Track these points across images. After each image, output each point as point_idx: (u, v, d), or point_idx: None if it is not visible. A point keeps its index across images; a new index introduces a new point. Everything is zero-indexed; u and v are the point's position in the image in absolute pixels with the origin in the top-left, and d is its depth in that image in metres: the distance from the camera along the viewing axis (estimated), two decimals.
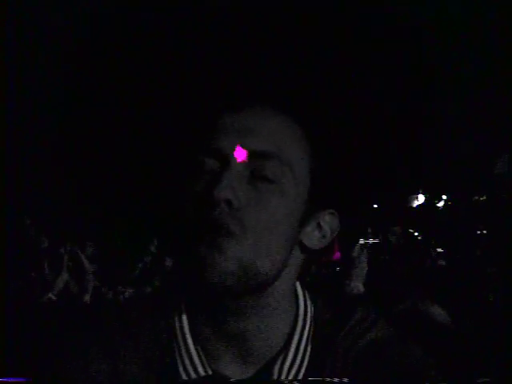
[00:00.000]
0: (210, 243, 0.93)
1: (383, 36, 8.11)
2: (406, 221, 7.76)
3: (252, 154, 0.97)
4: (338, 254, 1.09)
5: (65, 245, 5.85)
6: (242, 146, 0.97)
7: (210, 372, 1.01)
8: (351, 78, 7.86)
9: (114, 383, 1.01)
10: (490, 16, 7.67)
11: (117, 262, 6.10)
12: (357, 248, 4.81)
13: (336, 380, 1.00)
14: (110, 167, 8.57)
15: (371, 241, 6.99)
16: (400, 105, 8.89)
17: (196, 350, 1.01)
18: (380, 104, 8.48)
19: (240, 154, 0.97)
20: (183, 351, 1.02)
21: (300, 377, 1.02)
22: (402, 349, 1.05)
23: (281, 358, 1.02)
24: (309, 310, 1.07)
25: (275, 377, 1.01)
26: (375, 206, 8.82)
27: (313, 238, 1.04)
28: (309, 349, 1.04)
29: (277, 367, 1.02)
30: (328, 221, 1.05)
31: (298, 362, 1.02)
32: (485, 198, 7.38)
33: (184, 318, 1.03)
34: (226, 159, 0.97)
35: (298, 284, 1.08)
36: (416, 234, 7.27)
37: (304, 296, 1.08)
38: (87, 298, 5.38)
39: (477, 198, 7.71)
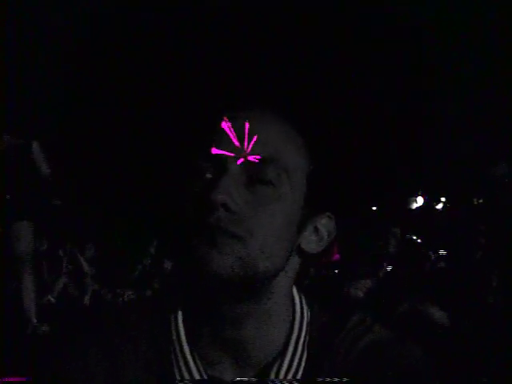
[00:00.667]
0: (209, 243, 0.93)
1: (383, 36, 8.12)
2: (405, 223, 7.76)
3: (247, 159, 0.97)
4: (337, 256, 1.09)
5: (64, 247, 5.85)
6: (240, 151, 0.97)
7: (206, 377, 1.01)
8: (350, 80, 7.87)
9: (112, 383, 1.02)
10: (490, 16, 7.68)
11: (116, 265, 6.10)
12: (364, 259, 4.83)
13: (336, 380, 1.00)
14: (110, 169, 8.58)
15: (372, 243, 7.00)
16: (399, 107, 8.90)
17: (192, 354, 1.01)
18: (379, 106, 8.49)
19: (238, 159, 0.97)
20: (179, 356, 1.02)
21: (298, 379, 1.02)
22: (400, 351, 1.05)
23: (277, 362, 1.02)
24: (305, 314, 1.07)
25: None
26: (374, 208, 8.82)
27: (310, 241, 1.04)
28: (305, 353, 1.04)
29: (273, 372, 1.01)
30: (325, 224, 1.05)
31: (294, 366, 1.02)
32: (482, 200, 7.39)
33: (180, 322, 1.03)
34: (224, 163, 0.97)
35: (294, 288, 1.08)
36: (415, 236, 7.27)
37: (300, 300, 1.08)
38: (86, 300, 5.38)
39: (476, 200, 7.71)
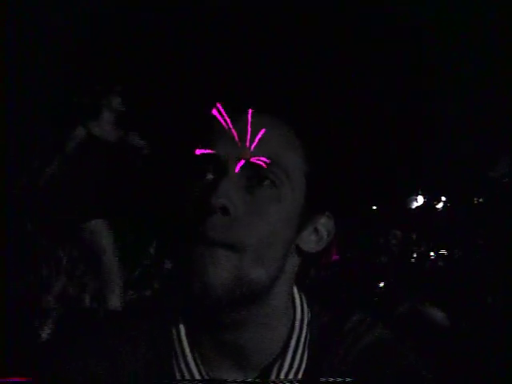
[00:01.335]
0: (206, 252, 0.93)
1: (383, 36, 8.12)
2: (405, 222, 7.76)
3: (249, 161, 0.97)
4: (336, 257, 1.10)
5: (63, 248, 5.85)
6: (239, 153, 0.97)
7: (206, 378, 1.01)
8: (349, 81, 7.87)
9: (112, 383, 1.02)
10: (490, 16, 7.69)
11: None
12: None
13: (339, 380, 1.00)
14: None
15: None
16: (398, 107, 8.90)
17: (193, 355, 1.01)
18: (378, 106, 8.49)
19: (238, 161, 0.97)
20: (180, 357, 1.02)
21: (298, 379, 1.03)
22: (400, 351, 1.05)
23: (278, 363, 1.02)
24: (306, 314, 1.07)
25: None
26: (374, 207, 8.82)
27: (309, 241, 1.04)
28: (306, 353, 1.04)
29: (274, 372, 1.02)
30: (324, 224, 1.05)
31: (295, 366, 1.02)
32: (482, 200, 7.38)
33: (181, 324, 1.03)
34: (224, 166, 0.96)
35: (294, 288, 1.08)
36: (415, 236, 7.27)
37: (301, 300, 1.08)
38: (86, 300, 5.38)
39: (476, 199, 7.71)
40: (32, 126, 7.93)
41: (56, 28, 7.43)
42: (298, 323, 1.05)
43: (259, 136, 0.97)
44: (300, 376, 1.02)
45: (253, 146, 0.97)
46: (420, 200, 8.86)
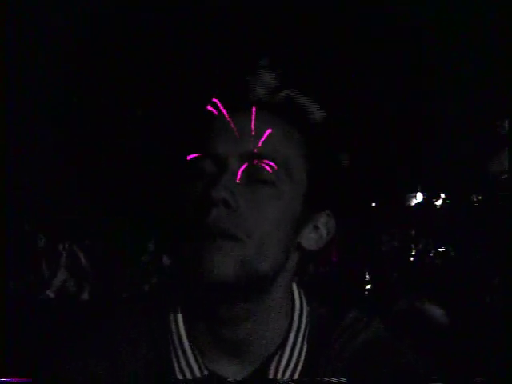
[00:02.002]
0: (209, 244, 0.93)
1: (383, 36, 8.11)
2: (404, 219, 7.75)
3: (249, 156, 0.98)
4: (334, 259, 1.10)
5: (63, 243, 5.85)
6: (240, 148, 0.98)
7: (206, 373, 1.02)
8: (349, 79, 7.86)
9: (112, 383, 1.02)
10: (490, 16, 7.68)
11: (115, 260, 6.10)
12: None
13: (334, 380, 1.00)
14: (109, 166, 8.57)
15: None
16: (399, 104, 8.88)
17: (192, 351, 1.02)
18: (378, 104, 8.48)
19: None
20: (179, 352, 1.02)
21: (296, 376, 1.03)
22: (397, 348, 1.06)
23: (277, 357, 1.03)
24: (304, 310, 1.07)
25: (271, 376, 1.02)
26: (373, 204, 8.80)
27: (310, 239, 1.04)
28: (305, 348, 1.05)
29: (273, 367, 1.02)
30: (324, 222, 1.06)
31: (293, 361, 1.03)
32: (481, 197, 7.37)
33: (180, 319, 1.03)
34: (224, 161, 0.97)
35: (294, 284, 1.09)
36: (414, 233, 7.27)
37: (300, 296, 1.09)
38: (85, 296, 5.38)
39: (475, 196, 7.70)
40: (32, 126, 7.93)
41: (55, 28, 7.43)
42: (296, 318, 1.06)
43: (264, 137, 0.98)
44: (298, 371, 1.03)
45: (260, 142, 0.98)
46: (419, 197, 8.84)
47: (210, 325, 1.01)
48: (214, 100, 1.01)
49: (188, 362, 1.02)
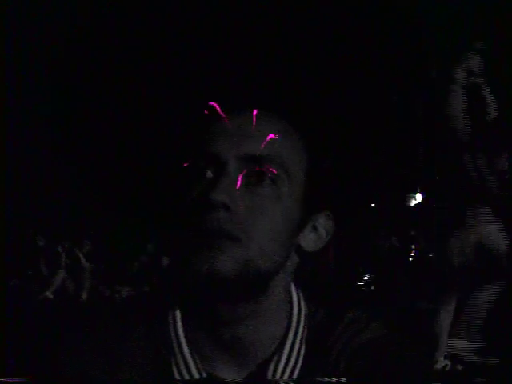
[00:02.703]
0: (209, 245, 0.93)
1: (383, 35, 8.11)
2: (404, 220, 7.76)
3: (249, 158, 0.97)
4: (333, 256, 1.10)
5: (62, 243, 5.85)
6: (239, 151, 0.98)
7: (205, 375, 1.02)
8: (349, 79, 7.86)
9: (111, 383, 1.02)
10: (489, 16, 7.67)
11: (114, 261, 6.10)
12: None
13: (334, 380, 1.00)
14: (108, 166, 8.57)
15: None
16: (398, 104, 8.89)
17: (190, 352, 1.02)
18: (378, 104, 8.49)
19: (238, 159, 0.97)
20: (177, 353, 1.02)
21: (294, 377, 1.03)
22: (397, 348, 1.06)
23: (275, 359, 1.03)
24: (303, 310, 1.07)
25: (270, 378, 1.02)
26: (372, 204, 8.82)
27: (309, 240, 1.04)
28: (303, 349, 1.04)
29: (271, 368, 1.02)
30: (323, 223, 1.06)
31: (292, 362, 1.03)
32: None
33: (178, 320, 1.03)
34: (223, 163, 0.97)
35: (292, 285, 1.08)
36: (413, 233, 7.27)
37: (298, 297, 1.08)
38: (84, 296, 5.38)
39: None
40: (32, 126, 7.93)
41: (55, 28, 7.42)
42: (295, 319, 1.06)
43: (265, 141, 0.98)
44: (297, 372, 1.03)
45: (255, 147, 0.97)
46: (419, 198, 8.84)
47: (209, 326, 1.01)
48: (214, 101, 1.01)
49: (186, 364, 1.01)
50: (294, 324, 1.05)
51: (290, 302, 1.07)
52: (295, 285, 1.09)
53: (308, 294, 1.11)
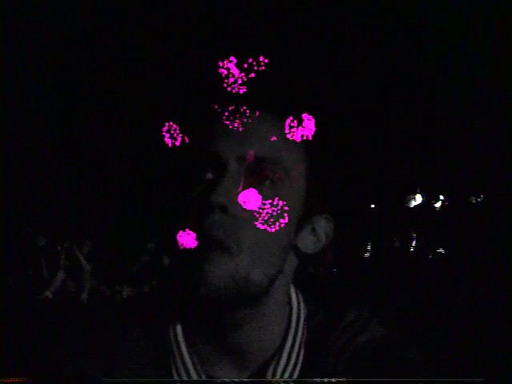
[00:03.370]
0: (203, 257, 0.93)
1: (382, 35, 8.11)
2: (404, 221, 7.76)
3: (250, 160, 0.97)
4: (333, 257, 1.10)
5: (62, 243, 5.84)
6: (239, 151, 0.97)
7: (204, 376, 1.02)
8: (348, 80, 7.85)
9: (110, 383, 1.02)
10: (490, 16, 7.69)
11: (114, 261, 6.09)
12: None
13: (334, 380, 1.00)
14: (109, 166, 8.57)
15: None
16: (398, 105, 8.89)
17: (189, 354, 1.02)
18: (378, 105, 8.49)
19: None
20: (176, 355, 1.02)
21: (294, 378, 1.03)
22: (395, 349, 1.06)
23: (274, 360, 1.03)
24: (302, 312, 1.08)
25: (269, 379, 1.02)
26: (372, 206, 8.82)
27: (308, 242, 1.04)
28: (302, 351, 1.05)
29: (271, 370, 1.02)
30: (323, 225, 1.06)
31: (291, 364, 1.03)
32: (481, 198, 7.39)
33: (178, 323, 1.03)
34: (224, 165, 0.97)
35: (292, 287, 1.08)
36: (414, 234, 7.28)
37: (297, 298, 1.08)
38: (84, 296, 5.37)
39: (475, 198, 7.71)
40: (33, 127, 7.94)
41: (55, 28, 7.43)
42: (294, 321, 1.06)
43: (267, 143, 0.98)
44: (296, 374, 1.03)
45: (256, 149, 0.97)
46: (418, 199, 8.85)
47: (210, 329, 1.01)
48: (215, 103, 1.01)
49: (185, 367, 1.02)
50: (293, 325, 1.05)
51: (290, 304, 1.07)
52: (294, 287, 1.09)
53: (307, 296, 1.11)
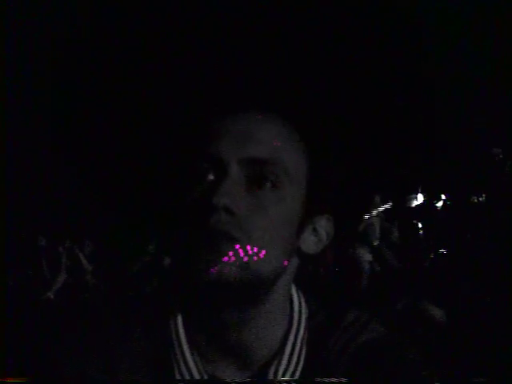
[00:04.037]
0: (211, 248, 0.93)
1: (382, 35, 8.11)
2: (405, 220, 7.76)
3: (250, 161, 0.97)
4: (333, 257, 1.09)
5: (63, 244, 5.85)
6: (241, 153, 0.98)
7: (206, 377, 1.02)
8: (349, 80, 7.85)
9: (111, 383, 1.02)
10: (489, 16, 7.68)
11: (115, 261, 6.10)
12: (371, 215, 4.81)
13: (335, 380, 1.00)
14: (109, 167, 8.57)
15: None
16: (398, 105, 8.89)
17: (191, 354, 1.02)
18: (378, 105, 8.48)
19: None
20: (178, 355, 1.02)
21: (295, 378, 1.03)
22: (396, 349, 1.06)
23: (276, 360, 1.02)
24: (303, 312, 1.07)
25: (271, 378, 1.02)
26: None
27: (309, 242, 1.04)
28: (304, 351, 1.04)
29: (272, 370, 1.02)
30: (324, 225, 1.05)
31: (293, 364, 1.03)
32: (483, 197, 7.38)
33: (180, 323, 1.03)
34: (225, 166, 0.97)
35: (293, 287, 1.08)
36: (415, 233, 7.27)
37: (299, 299, 1.08)
38: (85, 296, 5.38)
39: (476, 198, 7.70)
40: (33, 128, 7.93)
41: (55, 28, 7.43)
42: (295, 321, 1.06)
43: (269, 144, 0.98)
44: (298, 373, 1.03)
45: (251, 148, 0.97)
46: (420, 198, 8.84)
47: (212, 328, 1.01)
48: (217, 103, 1.01)
49: (187, 366, 1.01)
50: (294, 325, 1.05)
51: (291, 304, 1.07)
52: (296, 286, 1.09)
53: (308, 296, 1.11)
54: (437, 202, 8.62)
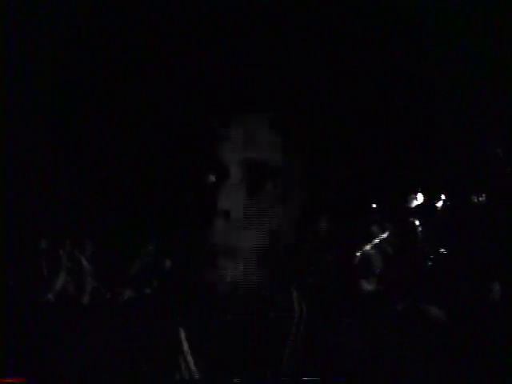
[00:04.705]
0: (208, 260, 0.94)
1: (380, 35, 8.12)
2: (405, 220, 7.76)
3: (251, 163, 0.97)
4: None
5: (63, 245, 5.85)
6: (241, 155, 0.97)
7: (206, 377, 1.02)
8: (346, 80, 7.86)
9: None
10: (490, 16, 7.69)
11: (116, 263, 6.09)
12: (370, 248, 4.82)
13: (334, 380, 1.00)
14: (110, 168, 8.58)
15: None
16: (398, 105, 8.90)
17: (192, 354, 1.02)
18: (377, 104, 8.49)
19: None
20: (179, 356, 1.02)
21: (295, 378, 1.03)
22: (397, 349, 1.06)
23: (276, 361, 1.03)
24: (304, 312, 1.08)
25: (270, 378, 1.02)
26: (374, 205, 8.81)
27: (309, 243, 1.04)
28: (304, 351, 1.05)
29: (272, 370, 1.02)
30: (324, 226, 1.06)
31: (293, 363, 1.03)
32: (483, 197, 7.39)
33: (181, 323, 1.04)
34: (225, 170, 0.97)
35: (293, 289, 1.08)
36: (415, 234, 7.27)
37: (299, 298, 1.09)
38: (86, 298, 5.38)
39: (476, 197, 7.71)
40: (33, 128, 7.94)
41: (55, 28, 7.43)
42: (295, 321, 1.06)
43: (269, 146, 0.98)
44: (298, 373, 1.03)
45: (258, 153, 0.97)
46: (420, 198, 8.84)
47: (211, 327, 1.01)
48: (217, 105, 1.01)
49: (188, 366, 1.02)
50: (294, 328, 1.05)
51: (291, 304, 1.07)
52: (296, 287, 1.09)
53: (308, 296, 1.11)
54: (437, 202, 8.62)
